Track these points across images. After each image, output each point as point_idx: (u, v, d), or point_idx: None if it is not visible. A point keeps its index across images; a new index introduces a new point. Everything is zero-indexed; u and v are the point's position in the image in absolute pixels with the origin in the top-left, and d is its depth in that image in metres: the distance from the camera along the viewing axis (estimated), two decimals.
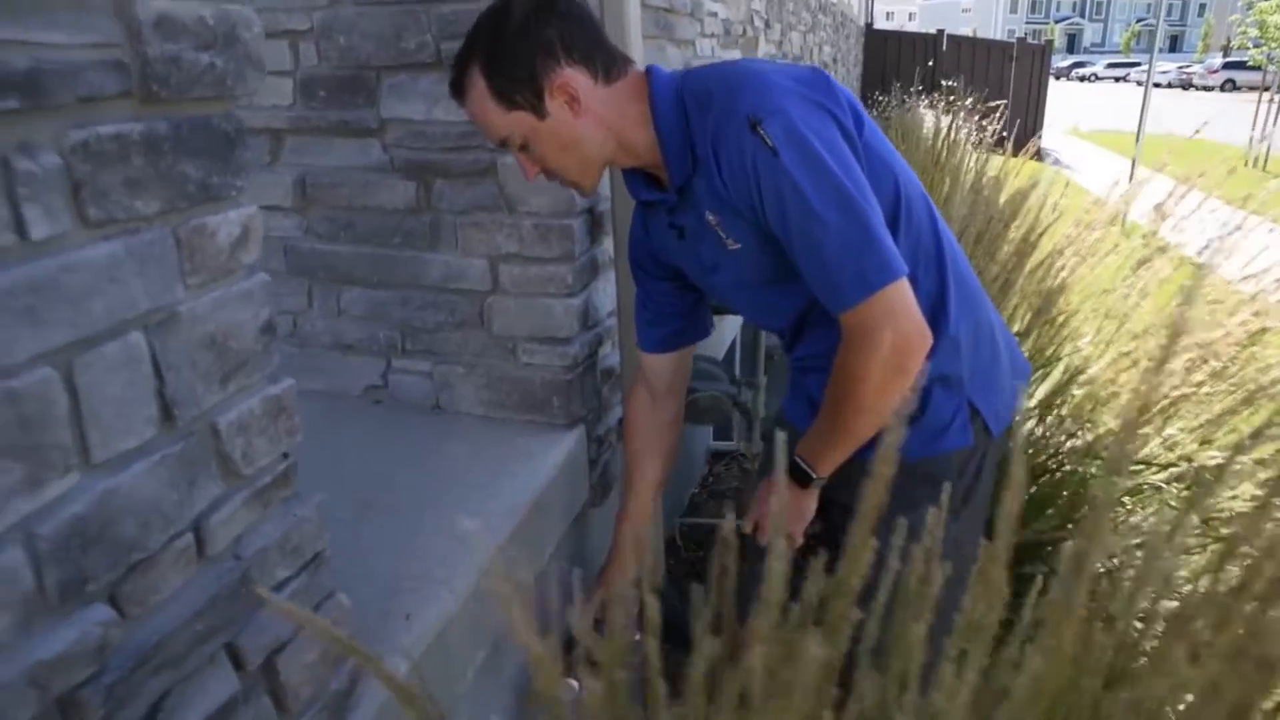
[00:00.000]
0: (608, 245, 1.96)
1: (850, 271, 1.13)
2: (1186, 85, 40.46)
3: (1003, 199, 2.50)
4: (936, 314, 1.27)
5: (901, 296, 1.13)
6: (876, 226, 1.11)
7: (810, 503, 1.37)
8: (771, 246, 1.21)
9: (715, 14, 2.95)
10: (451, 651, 1.40)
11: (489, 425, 1.94)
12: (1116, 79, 51.57)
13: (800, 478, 1.32)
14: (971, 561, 1.44)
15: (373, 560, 1.48)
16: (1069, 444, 1.73)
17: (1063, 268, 1.95)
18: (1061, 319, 1.93)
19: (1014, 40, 15.16)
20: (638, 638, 1.93)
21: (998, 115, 6.02)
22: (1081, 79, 53.74)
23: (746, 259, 1.28)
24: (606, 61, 1.28)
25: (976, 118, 7.09)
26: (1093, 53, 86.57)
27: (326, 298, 2.02)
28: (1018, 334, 1.93)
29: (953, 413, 1.30)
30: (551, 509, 1.78)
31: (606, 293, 1.99)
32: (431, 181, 1.85)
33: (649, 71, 1.30)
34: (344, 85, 1.85)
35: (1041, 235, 2.10)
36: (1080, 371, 1.83)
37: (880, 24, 16.39)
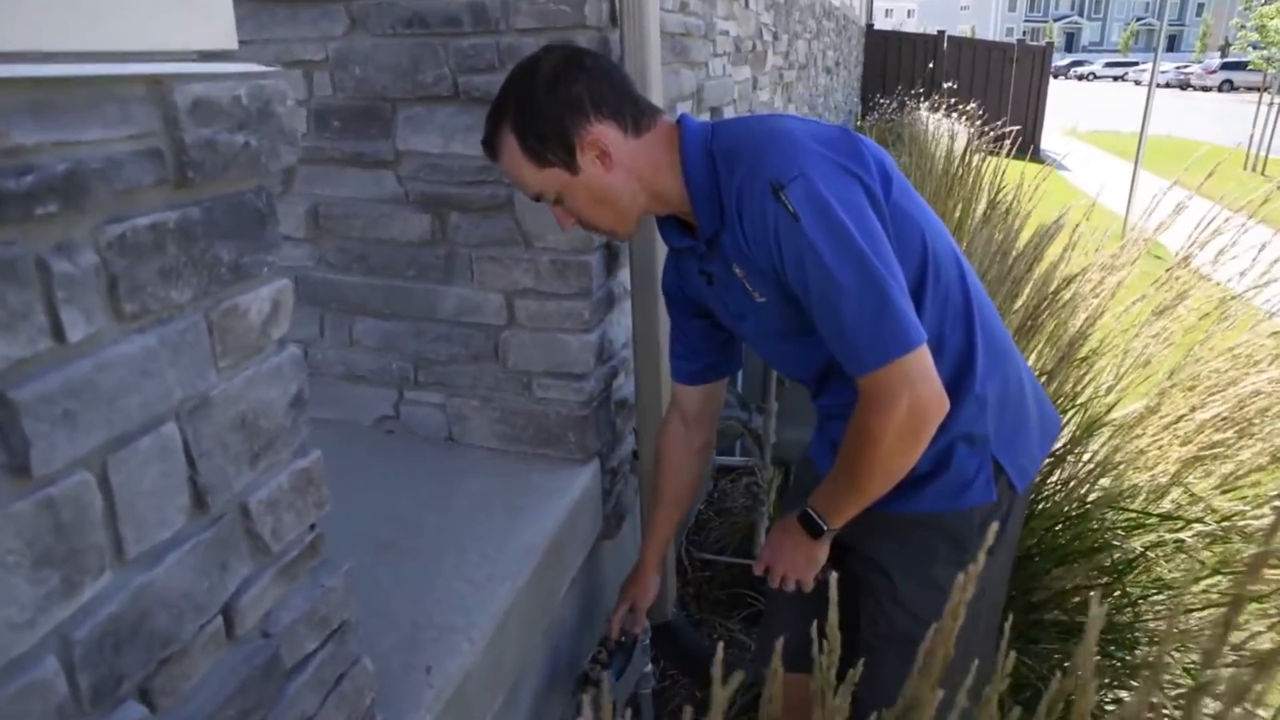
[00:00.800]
0: (624, 276, 1.94)
1: (867, 339, 1.12)
2: (1184, 85, 40.49)
3: (1024, 238, 2.47)
4: (963, 372, 1.26)
5: (919, 364, 1.12)
6: (895, 295, 1.10)
7: (822, 551, 1.37)
8: (795, 303, 1.20)
9: (727, 33, 2.93)
10: (471, 702, 1.39)
11: (503, 459, 1.93)
12: (1115, 78, 51.64)
13: (812, 528, 1.32)
14: (992, 609, 1.44)
15: (392, 606, 1.47)
16: (1091, 491, 1.71)
17: (1088, 310, 1.94)
18: (1085, 358, 1.92)
19: (1015, 42, 15.14)
20: (649, 669, 1.93)
21: (1000, 123, 6.01)
22: (1079, 78, 53.77)
23: (772, 312, 1.27)
24: (636, 114, 1.27)
25: (979, 123, 7.09)
26: (1091, 51, 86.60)
27: (338, 328, 2.00)
28: (1040, 373, 1.92)
29: (976, 470, 1.29)
30: (567, 547, 1.77)
31: (622, 324, 1.97)
32: (447, 215, 1.83)
33: (680, 122, 1.29)
34: (359, 116, 1.83)
35: (1067, 284, 2.08)
36: (1102, 418, 1.81)
37: (880, 22, 16.35)
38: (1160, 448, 1.65)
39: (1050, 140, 15.47)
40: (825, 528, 1.31)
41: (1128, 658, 1.56)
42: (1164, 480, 1.61)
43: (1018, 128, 7.27)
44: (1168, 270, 2.00)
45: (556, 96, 1.22)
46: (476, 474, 1.87)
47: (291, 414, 0.92)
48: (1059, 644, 1.62)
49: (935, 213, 1.32)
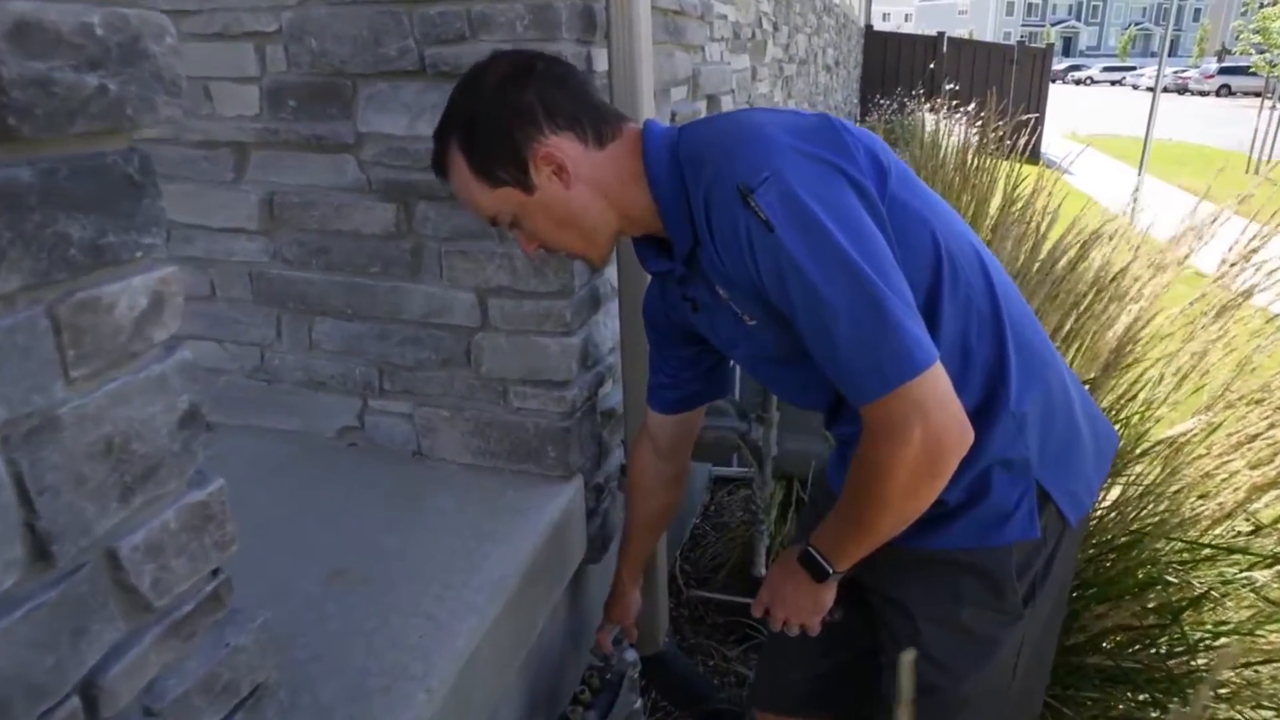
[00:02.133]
0: (610, 275, 1.76)
1: (865, 364, 0.95)
2: (1182, 90, 40.40)
3: (1047, 246, 2.28)
4: (995, 388, 1.08)
5: (931, 388, 0.94)
6: (895, 310, 0.93)
7: (828, 595, 1.20)
8: (790, 323, 1.02)
9: (725, 16, 2.75)
10: None
11: (476, 475, 1.74)
12: (1112, 83, 51.56)
13: (815, 570, 1.15)
14: (1035, 667, 1.26)
15: (340, 648, 1.29)
16: (1140, 519, 1.52)
17: (1133, 313, 1.75)
18: (1130, 364, 1.72)
19: (1015, 44, 15.00)
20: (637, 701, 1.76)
21: (1010, 120, 5.84)
22: (1077, 82, 53.70)
23: (765, 335, 1.09)
24: (596, 122, 1.11)
25: (980, 124, 6.93)
26: (1088, 56, 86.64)
27: (297, 329, 1.82)
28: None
29: (1017, 500, 1.10)
30: (545, 576, 1.59)
31: (608, 328, 1.79)
32: (413, 204, 1.65)
33: (645, 128, 1.12)
34: (316, 94, 1.65)
35: (1113, 281, 1.88)
36: (1151, 435, 1.63)
37: (877, 25, 16.21)
38: (1229, 471, 1.46)
39: (1050, 144, 15.34)
40: (830, 571, 1.13)
41: (1185, 710, 1.37)
42: (1230, 507, 1.43)
43: (1032, 116, 7.09)
44: (1223, 266, 1.81)
45: (504, 107, 1.07)
46: (445, 492, 1.68)
47: (181, 436, 0.73)
48: (1100, 692, 1.44)
49: (950, 205, 1.14)
